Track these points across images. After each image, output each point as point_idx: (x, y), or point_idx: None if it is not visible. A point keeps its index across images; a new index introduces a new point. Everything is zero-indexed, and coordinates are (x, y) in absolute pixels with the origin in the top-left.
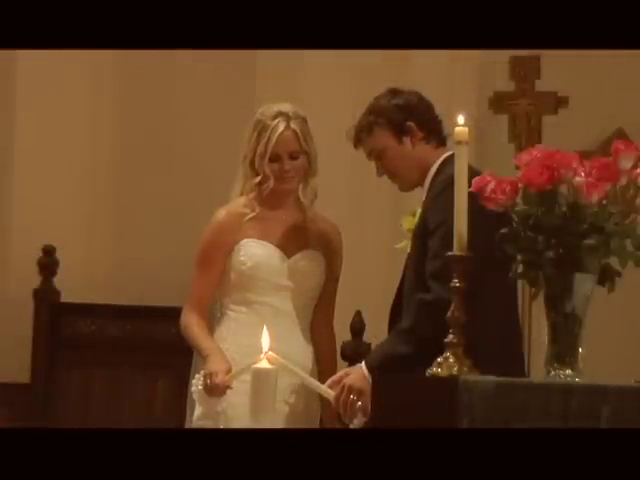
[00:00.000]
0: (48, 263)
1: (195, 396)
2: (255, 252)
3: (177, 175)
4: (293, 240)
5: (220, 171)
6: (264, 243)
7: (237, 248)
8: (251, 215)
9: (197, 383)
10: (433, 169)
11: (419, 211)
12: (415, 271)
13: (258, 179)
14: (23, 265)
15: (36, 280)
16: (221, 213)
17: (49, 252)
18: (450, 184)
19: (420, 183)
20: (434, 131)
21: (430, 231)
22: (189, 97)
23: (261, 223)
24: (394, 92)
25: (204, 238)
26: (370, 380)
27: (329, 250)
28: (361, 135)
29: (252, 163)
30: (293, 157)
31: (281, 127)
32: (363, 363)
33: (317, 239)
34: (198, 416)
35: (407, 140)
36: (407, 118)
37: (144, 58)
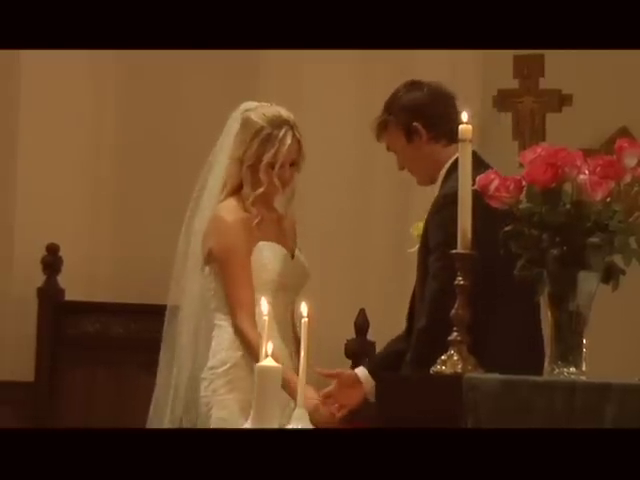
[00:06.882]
0: (52, 261)
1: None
2: (269, 254)
3: (180, 174)
4: (289, 240)
5: None
6: (273, 244)
7: (256, 250)
8: (257, 220)
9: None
10: (444, 170)
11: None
12: (420, 284)
13: (262, 189)
14: (27, 263)
15: (40, 278)
16: (229, 218)
17: (53, 250)
18: (450, 202)
19: (436, 179)
20: (443, 130)
21: (429, 249)
22: (191, 97)
23: (262, 225)
24: (410, 86)
25: (229, 245)
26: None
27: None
28: (378, 131)
29: (252, 167)
30: (294, 164)
31: (289, 138)
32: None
33: (295, 237)
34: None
35: (416, 139)
36: (413, 119)
37: (147, 58)
